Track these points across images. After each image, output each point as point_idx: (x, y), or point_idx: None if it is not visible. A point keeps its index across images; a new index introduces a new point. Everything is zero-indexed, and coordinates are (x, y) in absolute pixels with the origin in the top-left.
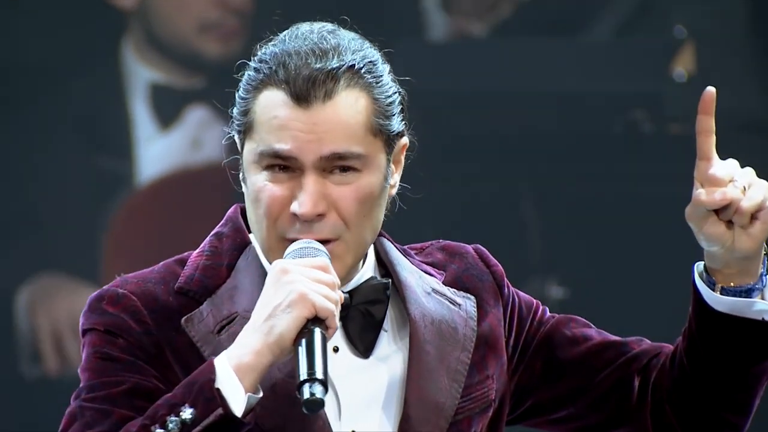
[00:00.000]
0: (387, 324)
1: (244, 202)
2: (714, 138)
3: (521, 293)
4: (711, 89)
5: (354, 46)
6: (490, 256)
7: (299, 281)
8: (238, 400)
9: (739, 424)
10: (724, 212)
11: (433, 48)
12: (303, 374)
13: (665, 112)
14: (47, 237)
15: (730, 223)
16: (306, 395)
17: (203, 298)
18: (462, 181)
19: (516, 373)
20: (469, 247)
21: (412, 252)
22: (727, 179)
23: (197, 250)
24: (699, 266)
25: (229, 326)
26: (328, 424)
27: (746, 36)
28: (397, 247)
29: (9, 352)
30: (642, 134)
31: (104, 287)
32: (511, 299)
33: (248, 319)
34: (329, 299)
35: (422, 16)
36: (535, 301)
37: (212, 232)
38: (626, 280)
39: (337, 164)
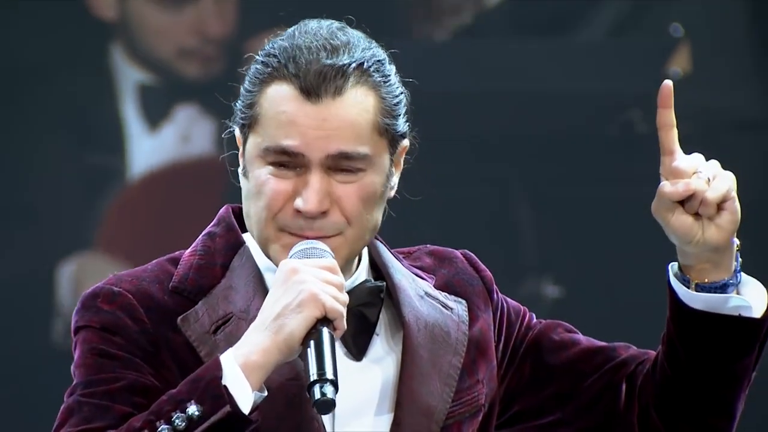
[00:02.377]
0: (380, 328)
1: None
2: (675, 131)
3: (509, 299)
4: (668, 82)
5: (363, 44)
6: (479, 261)
7: (310, 281)
8: (245, 397)
9: (724, 428)
10: (690, 204)
11: (427, 49)
12: (313, 374)
13: None
14: (40, 232)
15: (697, 216)
16: (317, 395)
17: (198, 298)
18: (456, 181)
19: (505, 378)
20: (458, 252)
21: (401, 256)
22: (691, 171)
23: (189, 250)
24: (673, 266)
25: (224, 326)
26: (323, 427)
27: (743, 35)
28: (389, 250)
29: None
30: (637, 134)
31: (97, 285)
32: (500, 304)
33: (244, 319)
34: (338, 300)
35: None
36: (522, 307)
37: (204, 232)
38: (621, 280)
39: (342, 163)
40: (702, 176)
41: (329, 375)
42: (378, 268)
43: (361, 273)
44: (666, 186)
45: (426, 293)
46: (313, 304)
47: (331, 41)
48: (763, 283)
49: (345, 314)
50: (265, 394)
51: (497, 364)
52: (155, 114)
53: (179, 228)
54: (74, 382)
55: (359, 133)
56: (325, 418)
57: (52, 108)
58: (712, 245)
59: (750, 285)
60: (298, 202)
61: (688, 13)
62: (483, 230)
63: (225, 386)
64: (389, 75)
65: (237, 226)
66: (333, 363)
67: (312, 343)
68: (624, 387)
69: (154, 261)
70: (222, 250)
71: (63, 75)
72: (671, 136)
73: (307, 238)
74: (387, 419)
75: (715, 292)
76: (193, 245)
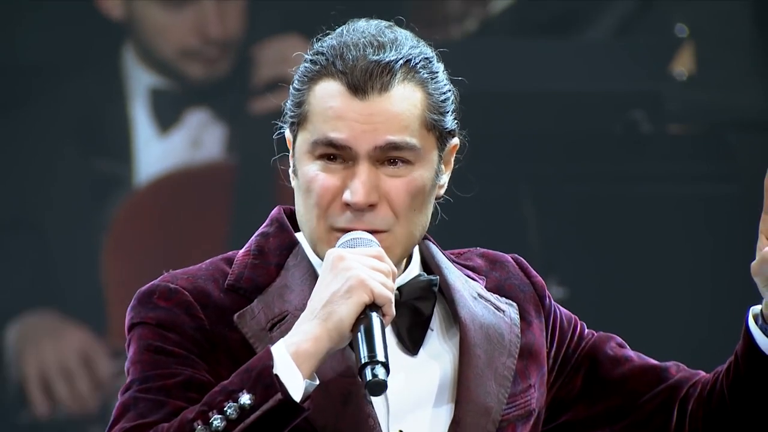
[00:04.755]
0: (434, 323)
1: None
2: None
3: (560, 306)
4: None
5: (411, 42)
6: (530, 267)
7: (357, 267)
8: (296, 386)
9: None
10: None
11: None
12: (364, 357)
13: (665, 112)
14: (46, 238)
15: None
16: (368, 377)
17: (253, 296)
18: (462, 181)
19: (554, 385)
20: (509, 257)
21: (452, 256)
22: None
23: (243, 250)
24: (754, 309)
25: (280, 324)
26: (379, 423)
27: (747, 35)
28: (441, 251)
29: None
30: (641, 134)
31: (153, 282)
32: (552, 311)
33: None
34: (386, 286)
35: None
36: (573, 315)
37: (257, 233)
38: (626, 279)
39: (390, 155)
40: None
41: (380, 357)
42: (429, 269)
43: (414, 269)
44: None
45: (479, 294)
46: (362, 290)
47: (378, 38)
48: None
49: (393, 300)
50: (317, 383)
51: (548, 371)
52: (166, 119)
53: (188, 234)
54: (129, 379)
55: (407, 125)
56: (381, 414)
57: (60, 110)
58: None
59: None
60: (346, 195)
61: (692, 13)
62: (488, 230)
63: (276, 375)
64: (437, 72)
65: (290, 225)
66: (384, 346)
67: (362, 328)
68: (676, 410)
69: (207, 261)
70: (276, 250)
71: (73, 77)
72: None
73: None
74: (445, 417)
75: None
76: (247, 245)
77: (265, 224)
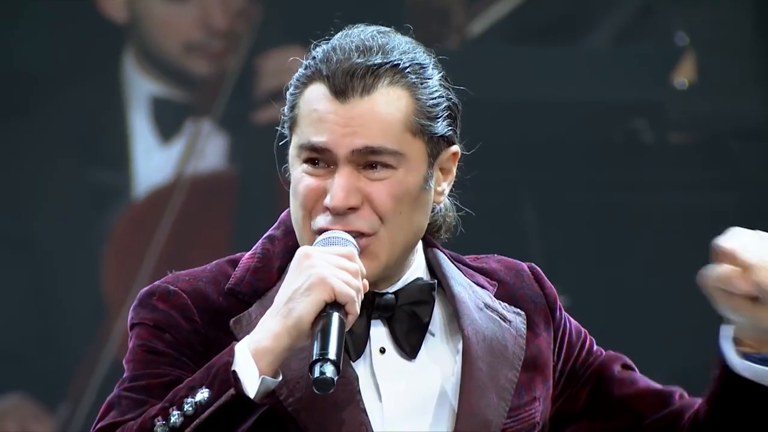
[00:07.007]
0: (435, 328)
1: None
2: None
3: (571, 318)
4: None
5: (404, 48)
6: (545, 277)
7: (320, 265)
8: (252, 382)
9: None
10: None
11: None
12: (315, 354)
13: (666, 121)
14: (44, 249)
15: (754, 299)
16: (316, 374)
17: (252, 300)
18: (463, 188)
19: (559, 399)
20: (524, 266)
21: (467, 260)
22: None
23: (249, 252)
24: (726, 329)
25: None
26: (370, 427)
27: (748, 44)
28: (449, 256)
29: None
30: (643, 143)
31: (155, 283)
32: (562, 323)
33: None
34: (350, 285)
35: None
36: (583, 329)
37: (265, 235)
38: (627, 288)
39: (370, 159)
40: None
41: (331, 355)
42: (436, 277)
43: (414, 273)
44: (719, 296)
45: (485, 305)
46: (321, 288)
47: (366, 42)
48: None
49: (358, 300)
50: (279, 379)
51: (553, 384)
52: (168, 127)
53: (189, 245)
54: (123, 376)
55: (387, 129)
56: (375, 420)
57: (57, 120)
58: (764, 326)
59: None
60: (327, 199)
61: (693, 21)
62: (490, 237)
63: (234, 371)
64: (428, 78)
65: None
66: (338, 345)
67: (320, 326)
68: None
69: (214, 262)
70: (280, 253)
71: (71, 86)
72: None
73: None
74: (443, 428)
75: (757, 363)
76: (254, 248)
77: (273, 226)
